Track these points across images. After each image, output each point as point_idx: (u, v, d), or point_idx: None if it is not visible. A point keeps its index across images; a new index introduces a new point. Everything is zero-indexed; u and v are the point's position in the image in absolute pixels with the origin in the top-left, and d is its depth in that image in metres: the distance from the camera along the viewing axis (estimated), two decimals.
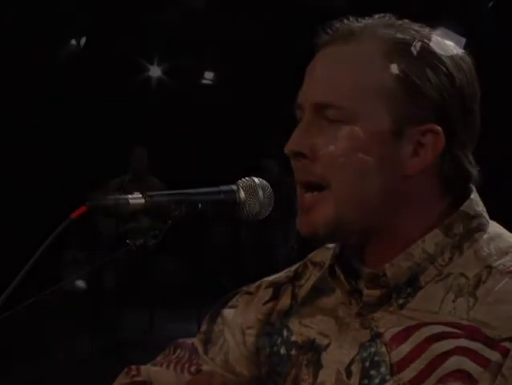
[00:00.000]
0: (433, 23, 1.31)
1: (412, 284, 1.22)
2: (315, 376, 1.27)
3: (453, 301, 1.19)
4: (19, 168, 9.63)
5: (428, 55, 1.21)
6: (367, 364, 1.21)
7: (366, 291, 1.24)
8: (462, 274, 1.20)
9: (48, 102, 10.09)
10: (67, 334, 7.45)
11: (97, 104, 10.32)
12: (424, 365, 1.16)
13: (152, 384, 1.40)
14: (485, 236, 1.24)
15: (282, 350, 1.33)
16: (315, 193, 1.23)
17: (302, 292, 1.37)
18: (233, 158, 10.03)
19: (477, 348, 1.14)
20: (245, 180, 1.31)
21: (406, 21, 1.25)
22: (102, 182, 7.44)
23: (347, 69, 1.22)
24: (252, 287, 1.44)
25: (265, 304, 1.39)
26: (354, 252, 1.27)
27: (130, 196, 1.24)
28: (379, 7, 1.37)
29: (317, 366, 1.27)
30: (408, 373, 1.17)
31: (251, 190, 1.30)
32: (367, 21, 1.25)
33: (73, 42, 10.33)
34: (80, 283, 8.49)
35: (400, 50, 1.21)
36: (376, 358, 1.20)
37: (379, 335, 1.21)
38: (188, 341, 1.45)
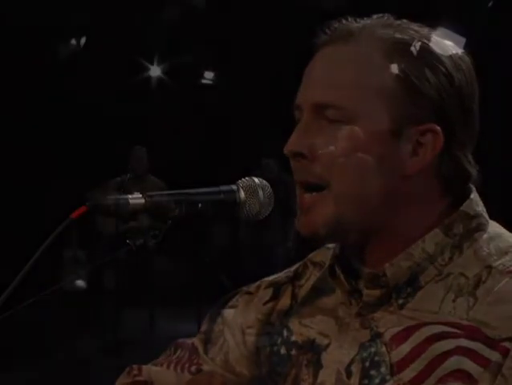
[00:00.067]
0: (433, 23, 1.31)
1: (412, 284, 1.22)
2: (315, 376, 1.27)
3: (453, 301, 1.19)
4: (19, 167, 9.63)
5: (427, 55, 1.20)
6: (367, 364, 1.21)
7: (366, 291, 1.24)
8: (462, 274, 1.20)
9: (48, 102, 10.09)
10: (67, 334, 7.45)
11: (97, 104, 10.32)
12: (424, 365, 1.16)
13: (153, 384, 1.40)
14: (485, 236, 1.24)
15: (282, 350, 1.33)
16: (315, 193, 1.23)
17: (302, 292, 1.36)
18: (233, 158, 10.03)
19: (477, 348, 1.14)
20: (245, 180, 1.31)
21: (405, 21, 1.25)
22: (102, 182, 7.44)
23: (347, 69, 1.22)
24: (252, 287, 1.43)
25: (265, 304, 1.39)
26: (354, 252, 1.27)
27: (130, 196, 1.24)
28: (379, 7, 1.37)
29: (317, 366, 1.27)
30: (408, 373, 1.17)
31: (251, 190, 1.30)
32: (366, 21, 1.25)
33: (73, 42, 10.33)
34: (80, 283, 8.49)
35: (399, 50, 1.21)
36: (376, 358, 1.20)
37: (379, 335, 1.21)
38: (189, 341, 1.44)
